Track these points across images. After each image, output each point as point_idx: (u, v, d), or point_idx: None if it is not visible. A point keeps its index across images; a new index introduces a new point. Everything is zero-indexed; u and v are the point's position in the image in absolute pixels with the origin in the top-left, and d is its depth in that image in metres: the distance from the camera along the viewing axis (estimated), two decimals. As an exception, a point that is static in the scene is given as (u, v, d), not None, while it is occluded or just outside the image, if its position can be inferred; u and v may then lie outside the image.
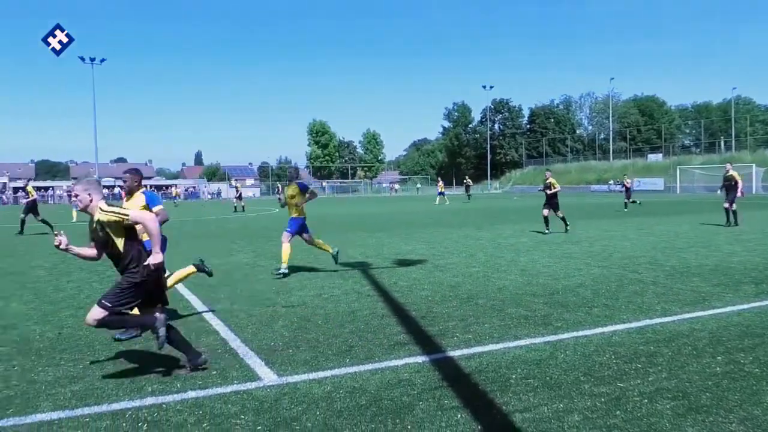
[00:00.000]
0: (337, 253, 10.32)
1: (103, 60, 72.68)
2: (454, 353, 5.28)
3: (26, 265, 11.83)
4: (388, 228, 20.03)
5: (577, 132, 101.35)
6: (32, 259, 12.79)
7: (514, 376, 4.62)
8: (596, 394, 4.18)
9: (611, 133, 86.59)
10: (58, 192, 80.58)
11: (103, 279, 9.81)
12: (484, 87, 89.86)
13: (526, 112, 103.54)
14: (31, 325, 6.65)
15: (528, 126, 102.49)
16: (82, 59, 70.94)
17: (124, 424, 3.84)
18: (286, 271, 9.64)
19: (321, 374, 4.76)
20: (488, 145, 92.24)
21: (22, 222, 19.85)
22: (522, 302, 7.37)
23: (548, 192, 16.82)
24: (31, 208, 20.25)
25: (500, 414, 3.91)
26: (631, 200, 28.92)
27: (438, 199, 43.92)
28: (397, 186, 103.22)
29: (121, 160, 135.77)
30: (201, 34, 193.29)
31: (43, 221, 20.10)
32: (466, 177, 57.42)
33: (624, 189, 30.03)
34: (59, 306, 7.70)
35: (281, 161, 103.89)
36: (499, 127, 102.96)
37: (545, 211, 16.76)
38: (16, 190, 76.04)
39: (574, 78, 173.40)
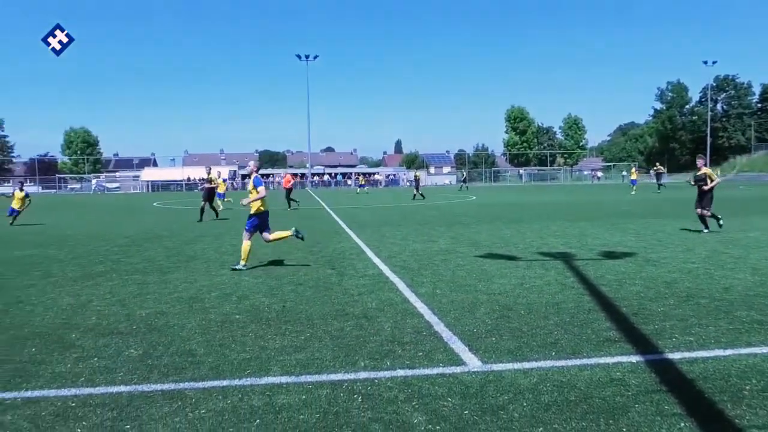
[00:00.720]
0: (296, 230, 10.14)
1: (316, 57, 78.73)
2: (673, 356, 4.85)
3: (255, 243, 13.29)
4: (591, 217, 19.01)
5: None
6: (259, 238, 14.34)
7: (747, 387, 4.11)
8: None
9: None
10: (277, 179, 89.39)
11: (318, 258, 10.69)
12: (705, 63, 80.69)
13: (756, 89, 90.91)
14: (261, 297, 7.47)
15: (758, 105, 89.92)
16: (299, 57, 77.55)
17: (341, 395, 4.15)
18: (244, 268, 9.51)
19: (526, 365, 4.68)
20: (708, 128, 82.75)
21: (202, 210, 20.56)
22: (755, 305, 6.52)
23: (703, 187, 13.73)
24: (209, 194, 20.94)
25: (732, 428, 3.51)
26: None
27: (634, 189, 40.60)
28: (599, 173, 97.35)
29: (330, 149, 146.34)
30: (401, 30, 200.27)
31: (212, 208, 20.96)
32: (657, 164, 51.53)
33: None
34: (282, 282, 8.55)
35: (478, 148, 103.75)
36: (723, 108, 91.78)
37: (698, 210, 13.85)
38: (243, 177, 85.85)
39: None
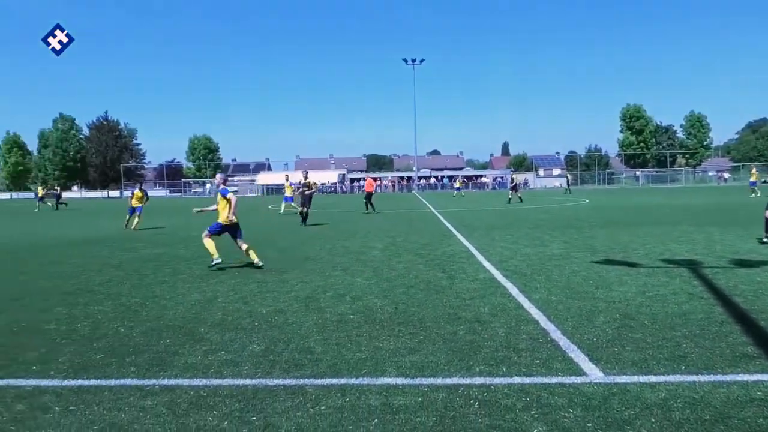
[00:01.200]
0: (214, 263, 10.19)
1: (422, 60, 79.18)
2: (825, 376, 4.39)
3: (365, 245, 13.58)
4: (718, 222, 17.65)
5: None
6: (369, 240, 14.64)
7: None
8: None
9: None
10: (384, 182, 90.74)
11: (428, 261, 10.73)
12: None
13: None
14: (373, 299, 7.60)
15: None
16: (405, 61, 78.33)
17: (458, 399, 4.13)
18: (218, 261, 10.30)
19: (653, 378, 4.42)
20: None
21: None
22: None
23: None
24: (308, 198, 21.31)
25: None
26: None
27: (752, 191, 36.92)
28: (726, 174, 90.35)
29: (435, 152, 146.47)
30: (508, 28, 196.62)
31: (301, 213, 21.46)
32: (754, 167, 45.28)
33: None
34: (393, 283, 8.65)
35: (590, 149, 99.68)
36: None
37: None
38: (352, 180, 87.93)
39: None
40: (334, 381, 4.54)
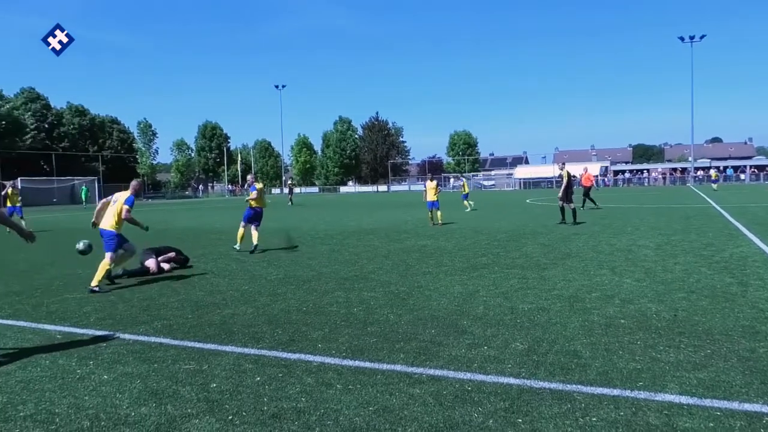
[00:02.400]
0: (99, 289, 8.59)
1: (702, 36, 70.47)
2: None
3: (634, 243, 12.50)
4: None
5: None
6: (639, 238, 13.45)
7: None
8: None
9: None
10: (653, 174, 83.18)
11: (712, 264, 9.43)
12: None
13: None
14: (646, 303, 6.90)
15: None
16: (681, 39, 70.54)
17: (761, 430, 3.48)
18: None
19: None
20: None
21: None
22: None
23: None
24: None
25: None
26: None
27: None
28: None
29: (716, 140, 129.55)
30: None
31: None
32: None
33: None
34: (670, 287, 7.76)
35: None
36: None
37: None
38: (616, 173, 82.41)
39: None
40: (606, 391, 4.18)
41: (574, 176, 20.56)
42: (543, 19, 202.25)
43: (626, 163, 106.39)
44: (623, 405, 3.93)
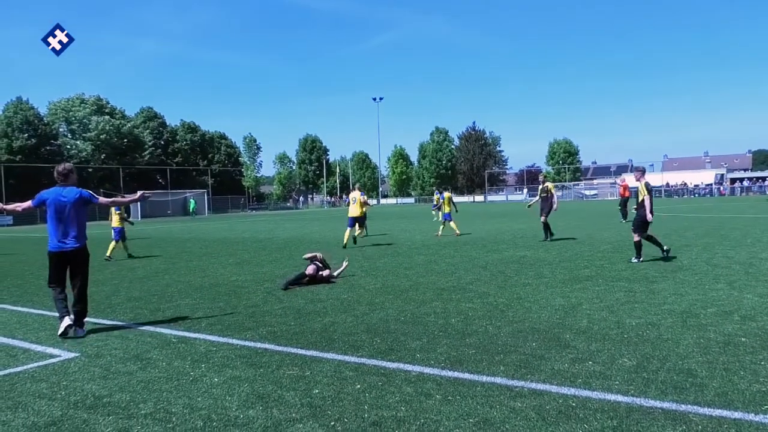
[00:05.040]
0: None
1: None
2: None
3: (754, 257, 11.58)
4: None
5: None
6: (761, 251, 12.44)
7: None
8: None
9: None
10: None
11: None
12: None
13: None
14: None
15: None
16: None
17: None
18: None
19: None
20: None
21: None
22: None
23: None
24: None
25: None
26: None
27: None
28: None
29: None
30: None
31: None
32: None
33: None
34: (798, 304, 7.11)
35: None
36: None
37: None
38: (732, 181, 76.88)
39: None
40: (726, 413, 3.89)
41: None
42: (645, 18, 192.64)
43: (745, 170, 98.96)
44: (746, 429, 3.64)
